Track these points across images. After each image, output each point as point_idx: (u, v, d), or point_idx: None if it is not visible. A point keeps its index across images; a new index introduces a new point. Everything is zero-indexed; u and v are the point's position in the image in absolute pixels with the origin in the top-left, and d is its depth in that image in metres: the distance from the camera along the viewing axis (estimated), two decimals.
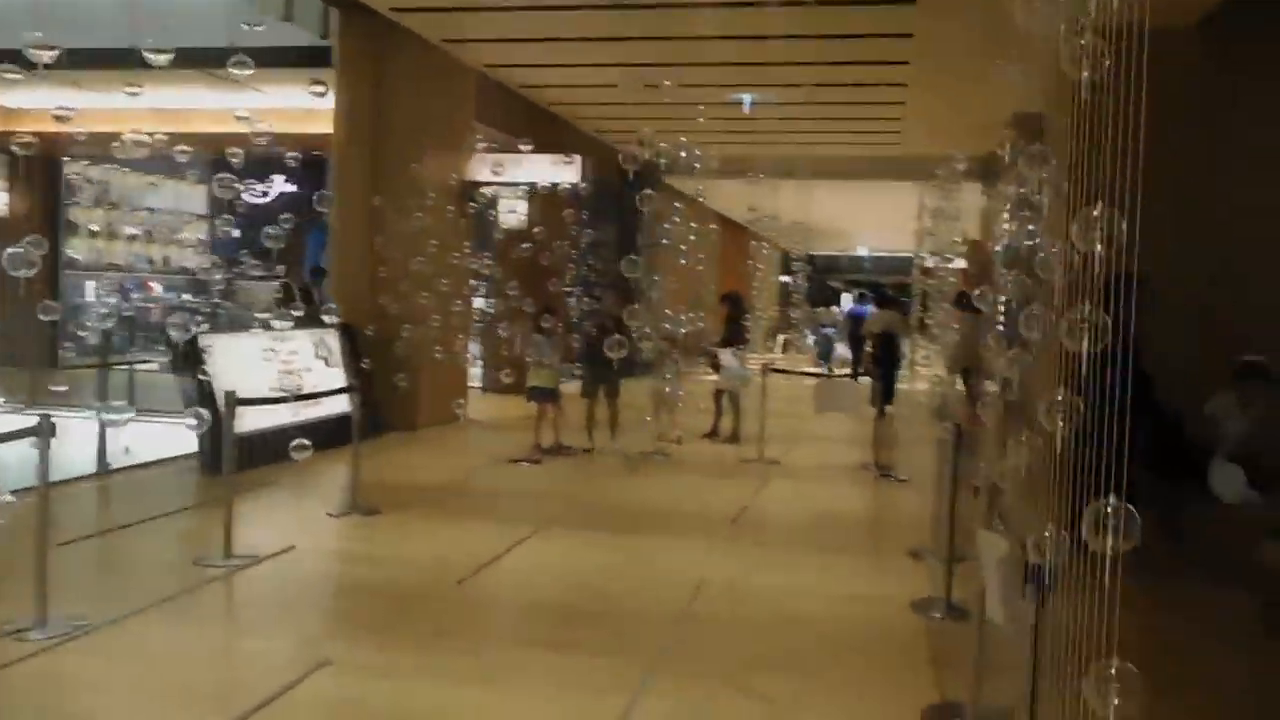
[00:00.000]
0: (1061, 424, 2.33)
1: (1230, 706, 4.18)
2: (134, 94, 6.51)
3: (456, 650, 4.47)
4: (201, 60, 12.10)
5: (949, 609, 5.15)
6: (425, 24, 10.21)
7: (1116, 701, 1.75)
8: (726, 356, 10.07)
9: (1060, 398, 2.40)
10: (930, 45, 9.84)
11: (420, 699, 3.94)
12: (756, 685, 4.16)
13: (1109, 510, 2.13)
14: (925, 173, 16.79)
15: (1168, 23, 8.17)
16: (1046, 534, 2.73)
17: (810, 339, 23.03)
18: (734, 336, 10.36)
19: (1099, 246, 2.08)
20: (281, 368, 9.18)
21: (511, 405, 12.22)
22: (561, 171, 11.12)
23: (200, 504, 7.16)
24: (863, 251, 32.94)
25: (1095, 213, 2.14)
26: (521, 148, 11.09)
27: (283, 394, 7.87)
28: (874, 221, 26.60)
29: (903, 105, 12.64)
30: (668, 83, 10.37)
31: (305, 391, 9.29)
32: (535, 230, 12.35)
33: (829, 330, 21.05)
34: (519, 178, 11.54)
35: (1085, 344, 2.10)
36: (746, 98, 12.60)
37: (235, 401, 6.02)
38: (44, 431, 4.55)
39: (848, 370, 17.91)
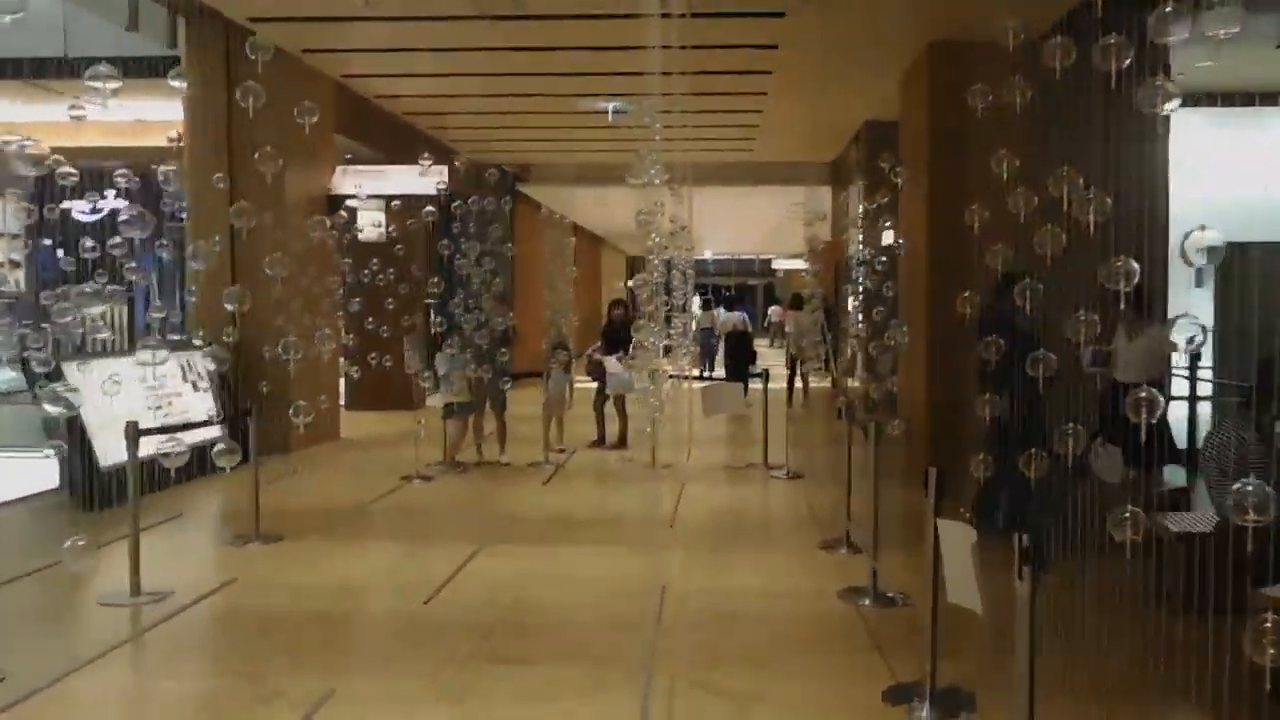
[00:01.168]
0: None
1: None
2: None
3: (425, 672, 4.38)
4: (19, 70, 11.44)
5: (875, 597, 5.40)
6: (284, 34, 9.87)
7: (1272, 651, 1.93)
8: (612, 363, 10.14)
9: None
10: (793, 55, 10.21)
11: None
12: (719, 683, 4.26)
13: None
14: (779, 177, 17.47)
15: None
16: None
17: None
18: (620, 343, 10.44)
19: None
20: (150, 393, 8.71)
21: (380, 422, 11.98)
22: (423, 183, 10.93)
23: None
24: (707, 254, 33.67)
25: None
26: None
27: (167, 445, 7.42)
28: (719, 225, 27.30)
29: (760, 114, 13.03)
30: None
31: (177, 418, 8.87)
32: (395, 244, 12.16)
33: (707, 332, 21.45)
34: (382, 190, 11.29)
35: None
36: (611, 105, 12.73)
37: (137, 433, 5.68)
38: None
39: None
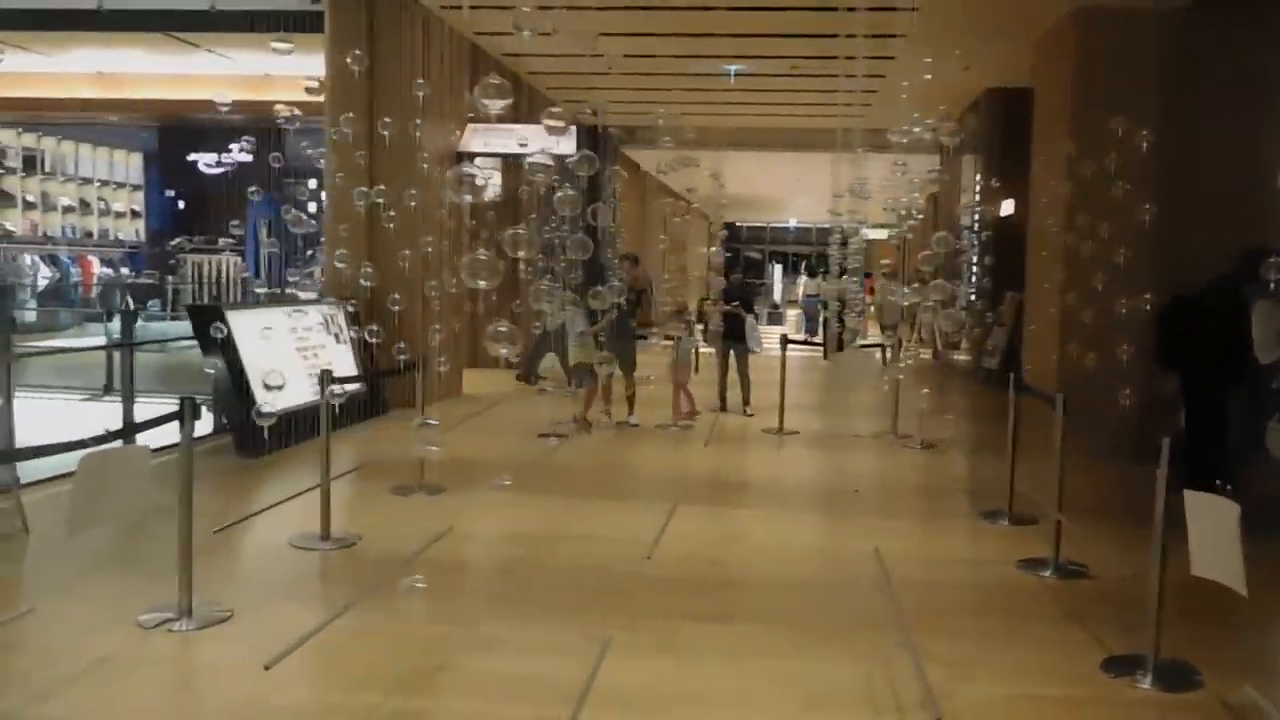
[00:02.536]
0: None
1: None
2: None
3: (631, 624, 4.48)
4: (156, 23, 11.67)
5: (1057, 568, 5.38)
6: None
7: None
8: (750, 322, 10.14)
9: None
10: (932, 19, 10.04)
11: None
12: (926, 647, 4.28)
13: None
14: (884, 144, 17.17)
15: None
16: None
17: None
18: (741, 304, 10.43)
19: None
20: (298, 345, 8.92)
21: (499, 380, 12.13)
22: (557, 142, 10.95)
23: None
24: (791, 221, 33.42)
25: None
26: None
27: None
28: (805, 190, 27.00)
29: (883, 79, 12.83)
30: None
31: (326, 367, 9.08)
32: (514, 202, 12.25)
33: (814, 300, 21.43)
34: (515, 148, 11.37)
35: None
36: (732, 68, 12.67)
37: (330, 380, 5.84)
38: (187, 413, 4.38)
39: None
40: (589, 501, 6.85)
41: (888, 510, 6.90)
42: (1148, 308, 7.02)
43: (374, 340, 9.02)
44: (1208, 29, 8.31)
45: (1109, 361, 7.17)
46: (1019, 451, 6.32)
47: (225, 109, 10.00)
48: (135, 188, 18.39)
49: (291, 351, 8.69)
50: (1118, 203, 7.73)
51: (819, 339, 18.49)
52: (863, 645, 4.29)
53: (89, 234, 17.61)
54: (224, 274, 17.56)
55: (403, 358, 8.78)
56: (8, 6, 11.17)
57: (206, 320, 7.84)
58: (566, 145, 11.12)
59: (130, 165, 17.93)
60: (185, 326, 9.60)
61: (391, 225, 8.34)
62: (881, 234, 30.76)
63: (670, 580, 5.19)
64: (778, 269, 35.08)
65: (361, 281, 9.27)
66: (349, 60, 7.26)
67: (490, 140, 11.39)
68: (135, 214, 18.38)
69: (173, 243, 17.83)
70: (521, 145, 11.38)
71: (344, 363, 9.47)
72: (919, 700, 3.76)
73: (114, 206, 17.84)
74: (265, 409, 5.83)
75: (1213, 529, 3.57)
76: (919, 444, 9.01)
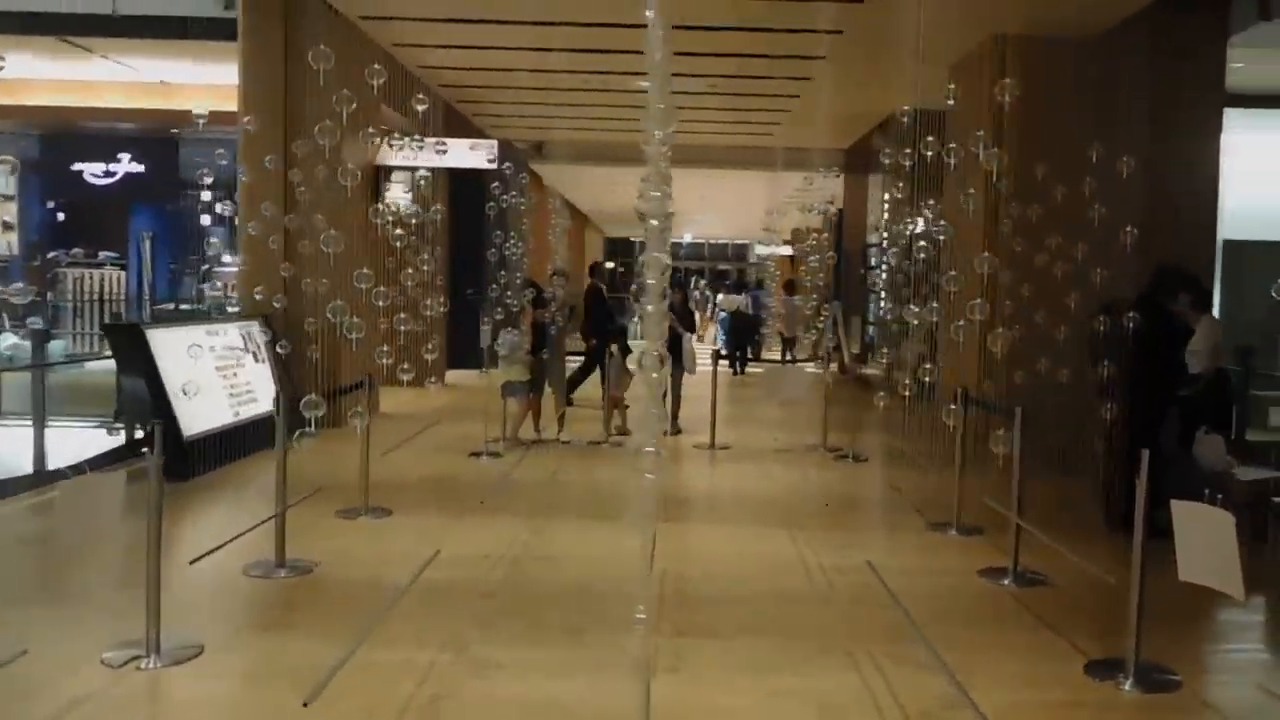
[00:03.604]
0: None
1: None
2: None
3: (617, 642, 4.41)
4: (55, 26, 11.07)
5: (1016, 576, 5.54)
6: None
7: None
8: (688, 341, 10.18)
9: None
10: (852, 42, 10.31)
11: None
12: (915, 656, 4.35)
13: None
14: (786, 163, 17.55)
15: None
16: None
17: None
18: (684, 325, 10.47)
19: None
20: (219, 363, 8.54)
21: (415, 397, 11.86)
22: (475, 156, 10.84)
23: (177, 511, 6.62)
24: (686, 237, 33.76)
25: None
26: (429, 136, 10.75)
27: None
28: (703, 209, 27.37)
29: (797, 99, 13.11)
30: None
31: (242, 388, 8.73)
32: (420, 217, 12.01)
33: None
34: (433, 162, 11.17)
35: None
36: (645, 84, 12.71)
37: (284, 403, 5.59)
38: None
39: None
40: (547, 520, 6.73)
41: (840, 523, 7.00)
42: (1060, 326, 7.34)
43: (283, 351, 8.65)
44: (1124, 54, 8.78)
45: (1031, 376, 7.45)
46: (941, 463, 6.51)
47: (201, 120, 9.49)
48: (6, 198, 17.35)
49: (211, 370, 8.31)
50: (1038, 223, 8.08)
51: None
52: (860, 656, 4.33)
53: None
54: (106, 289, 16.76)
55: (358, 380, 8.48)
56: None
57: (124, 339, 7.45)
58: (484, 160, 11.04)
59: (1, 175, 16.90)
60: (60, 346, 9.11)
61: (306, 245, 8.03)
62: (783, 250, 31.42)
63: (657, 596, 5.14)
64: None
65: (274, 304, 8.96)
66: (310, 59, 6.95)
67: (406, 154, 11.17)
68: (7, 226, 17.34)
69: (49, 255, 16.93)
70: (440, 153, 11.19)
71: (263, 381, 9.13)
72: (931, 709, 3.81)
73: None
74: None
75: (1204, 538, 3.73)
76: (851, 457, 9.19)
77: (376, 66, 7.35)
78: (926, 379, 12.48)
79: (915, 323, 7.62)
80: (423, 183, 10.93)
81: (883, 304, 14.20)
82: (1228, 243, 10.99)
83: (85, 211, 16.74)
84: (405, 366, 11.43)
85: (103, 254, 17.44)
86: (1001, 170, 6.75)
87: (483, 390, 9.45)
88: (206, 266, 15.40)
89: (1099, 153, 7.31)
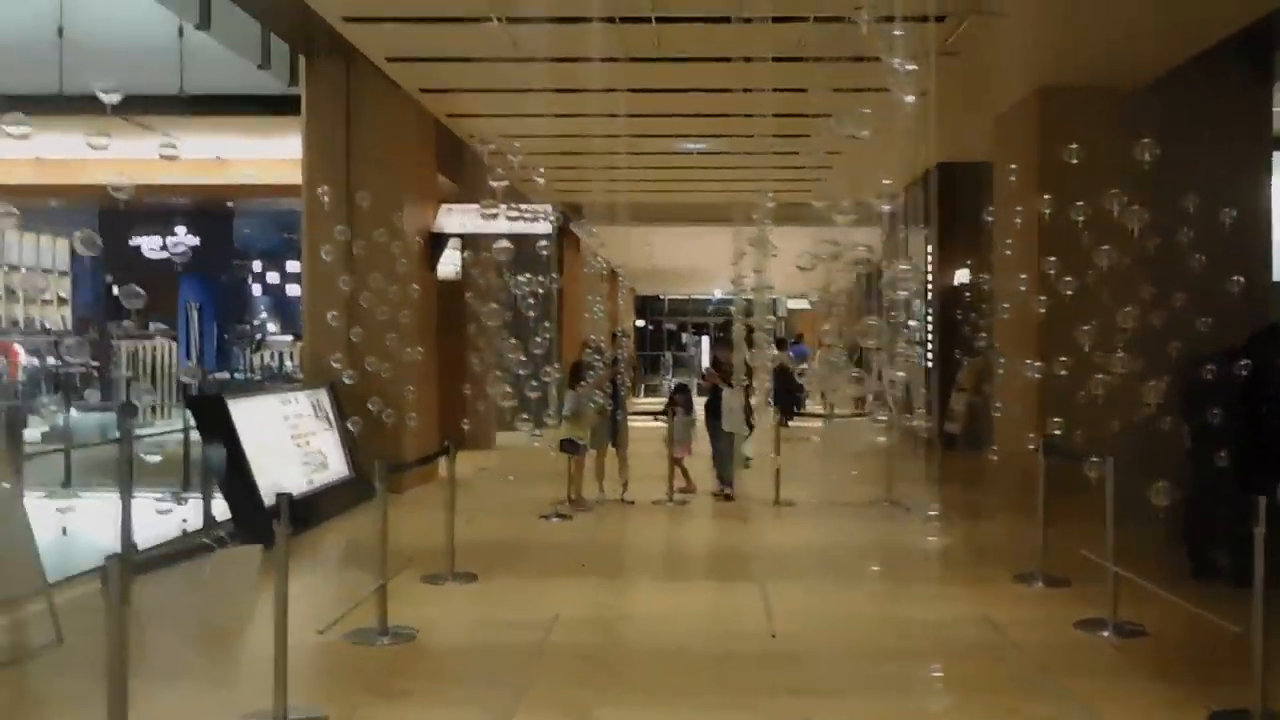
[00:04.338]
0: None
1: None
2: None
3: (740, 703, 4.43)
4: (123, 107, 11.39)
5: (1115, 628, 5.51)
6: (408, 74, 10.00)
7: None
8: (729, 395, 10.18)
9: None
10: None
11: None
12: (1033, 711, 4.34)
13: None
14: (820, 218, 17.65)
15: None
16: None
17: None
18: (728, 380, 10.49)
19: None
20: (291, 433, 8.67)
21: (471, 460, 11.94)
22: (535, 225, 11.03)
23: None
24: (715, 293, 33.97)
25: None
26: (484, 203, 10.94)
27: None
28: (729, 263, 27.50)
29: (840, 154, 13.26)
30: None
31: (315, 456, 8.85)
32: (471, 280, 12.17)
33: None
34: (494, 230, 11.34)
35: None
36: (692, 146, 12.99)
37: (388, 470, 5.68)
38: None
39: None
40: (634, 581, 6.79)
41: (925, 577, 6.98)
42: (1122, 370, 7.30)
43: (354, 429, 8.74)
44: (1167, 108, 8.89)
45: (1094, 427, 7.39)
46: (1002, 515, 6.48)
47: (122, 195, 9.67)
48: (62, 274, 17.75)
49: (288, 439, 8.44)
50: (1092, 272, 8.11)
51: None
52: (978, 712, 4.33)
53: (14, 322, 16.86)
54: (159, 360, 17.05)
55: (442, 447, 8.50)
56: None
57: (209, 410, 7.60)
58: (543, 226, 11.21)
59: (57, 250, 17.31)
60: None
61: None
62: (802, 304, 31.52)
63: (771, 655, 5.17)
64: (705, 340, 35.49)
65: (345, 379, 9.04)
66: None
67: (465, 221, 11.36)
68: (62, 300, 17.72)
69: (91, 332, 17.27)
70: (488, 218, 11.36)
71: (333, 450, 9.25)
72: None
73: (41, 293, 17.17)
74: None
75: None
76: (918, 510, 9.14)
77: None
78: (954, 429, 12.44)
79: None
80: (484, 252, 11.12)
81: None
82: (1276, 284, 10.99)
83: (142, 284, 17.07)
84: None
85: (153, 325, 17.73)
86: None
87: (532, 452, 9.47)
88: (260, 336, 15.65)
89: (1155, 201, 7.36)
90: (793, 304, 33.51)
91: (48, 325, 17.64)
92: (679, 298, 37.29)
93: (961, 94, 10.41)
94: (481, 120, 11.72)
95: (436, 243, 11.39)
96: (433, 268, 11.41)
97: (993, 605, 6.19)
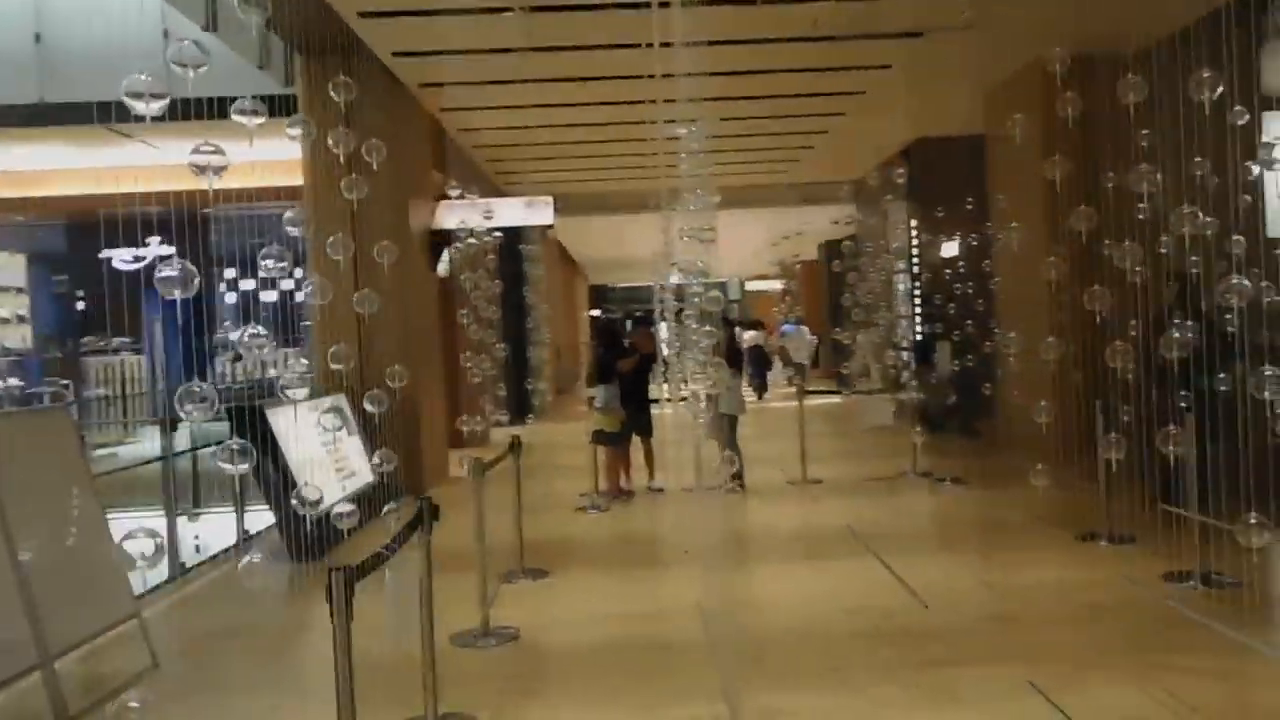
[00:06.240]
0: None
1: None
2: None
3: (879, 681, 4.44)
4: (105, 114, 11.00)
5: (1203, 579, 5.63)
6: (408, 68, 9.82)
7: None
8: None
9: None
10: (896, 76, 10.53)
11: None
12: (1184, 663, 4.42)
13: None
14: (798, 199, 17.78)
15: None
16: None
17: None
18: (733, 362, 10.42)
19: None
20: (324, 439, 8.47)
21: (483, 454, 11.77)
22: (534, 214, 10.92)
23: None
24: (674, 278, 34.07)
25: None
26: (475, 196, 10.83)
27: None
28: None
29: (825, 134, 13.34)
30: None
31: (344, 462, 8.68)
32: (463, 277, 12.05)
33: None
34: (493, 223, 11.22)
35: None
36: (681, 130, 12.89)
37: (483, 468, 5.59)
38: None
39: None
40: (744, 566, 6.73)
41: (992, 545, 7.08)
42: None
43: (378, 409, 8.51)
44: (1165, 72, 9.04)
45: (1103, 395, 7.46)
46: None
47: None
48: (19, 291, 17.02)
49: (319, 448, 8.25)
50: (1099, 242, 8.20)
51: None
52: (1118, 672, 4.39)
53: None
54: (127, 375, 16.57)
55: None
56: None
57: (247, 420, 7.38)
58: (542, 217, 11.10)
59: (13, 268, 16.60)
60: None
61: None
62: (763, 285, 31.76)
63: (912, 629, 5.21)
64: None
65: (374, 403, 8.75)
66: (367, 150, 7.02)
67: (465, 216, 11.20)
68: (21, 319, 17.00)
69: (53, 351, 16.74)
70: (486, 217, 11.25)
71: (357, 454, 9.06)
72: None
73: None
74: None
75: None
76: (949, 480, 9.24)
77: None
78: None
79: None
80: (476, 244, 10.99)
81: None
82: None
83: (111, 296, 16.51)
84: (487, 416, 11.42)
85: (116, 340, 17.17)
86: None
87: (531, 448, 9.34)
88: (232, 345, 15.21)
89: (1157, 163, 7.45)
90: (752, 285, 33.77)
91: (6, 345, 16.96)
92: (630, 286, 37.25)
93: (956, 70, 10.53)
94: (467, 114, 11.55)
95: (436, 243, 11.20)
96: (434, 267, 11.22)
97: (1077, 567, 6.27)
